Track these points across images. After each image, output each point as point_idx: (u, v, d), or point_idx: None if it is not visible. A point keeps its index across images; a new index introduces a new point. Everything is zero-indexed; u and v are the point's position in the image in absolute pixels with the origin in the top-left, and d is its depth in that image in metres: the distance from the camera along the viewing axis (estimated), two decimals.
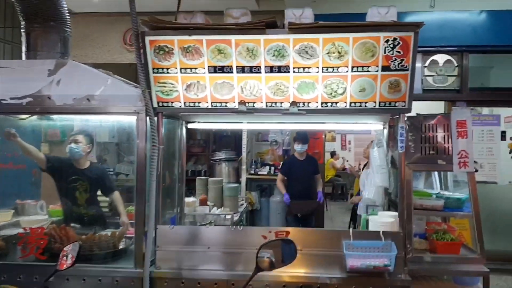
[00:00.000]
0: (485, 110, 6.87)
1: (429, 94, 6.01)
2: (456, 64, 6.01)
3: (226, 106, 3.08)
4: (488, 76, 6.41)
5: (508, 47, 5.79)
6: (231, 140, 8.58)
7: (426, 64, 5.99)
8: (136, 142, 3.13)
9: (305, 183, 5.89)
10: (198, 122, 3.57)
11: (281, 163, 6.22)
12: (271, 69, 2.96)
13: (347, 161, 11.56)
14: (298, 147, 5.79)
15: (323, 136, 6.84)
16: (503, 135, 5.93)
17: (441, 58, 5.97)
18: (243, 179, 6.77)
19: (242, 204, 5.84)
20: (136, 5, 2.98)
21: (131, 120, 3.15)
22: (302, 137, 5.83)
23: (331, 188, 11.34)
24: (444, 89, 5.97)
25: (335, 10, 5.75)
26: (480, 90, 6.09)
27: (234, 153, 7.31)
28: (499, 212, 5.75)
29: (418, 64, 6.02)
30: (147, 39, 2.99)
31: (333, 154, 11.62)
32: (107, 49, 7.14)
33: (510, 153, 5.98)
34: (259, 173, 7.09)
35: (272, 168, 7.10)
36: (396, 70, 2.88)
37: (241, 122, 3.49)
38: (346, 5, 5.68)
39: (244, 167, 6.80)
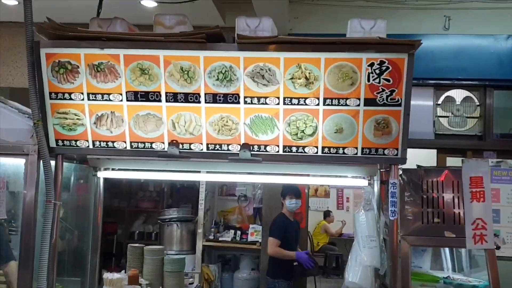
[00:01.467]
0: None
1: (443, 141, 5.83)
2: (478, 103, 5.89)
3: (151, 147, 2.89)
4: None
5: None
6: (192, 193, 8.28)
7: (439, 101, 5.86)
8: (22, 193, 2.91)
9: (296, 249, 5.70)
10: (113, 169, 3.33)
11: (272, 224, 5.95)
12: (214, 98, 2.79)
13: (345, 223, 11.25)
14: (292, 203, 5.58)
15: (306, 191, 6.61)
16: None
17: (458, 94, 5.86)
18: (199, 246, 6.41)
19: (191, 283, 5.43)
20: (63, 14, 2.87)
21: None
22: (295, 190, 5.66)
23: (323, 260, 10.91)
24: (463, 134, 5.82)
25: (321, 30, 5.67)
26: (510, 137, 5.94)
27: (191, 211, 6.98)
28: None
29: (429, 102, 5.89)
30: (43, 51, 2.81)
31: (326, 214, 11.26)
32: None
33: None
34: (220, 239, 6.75)
35: (239, 232, 6.79)
36: (384, 104, 2.71)
37: (174, 171, 3.25)
38: (335, 24, 5.60)
39: (200, 230, 6.46)
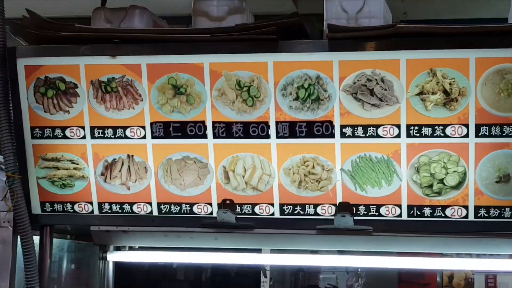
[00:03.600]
0: None
1: None
2: None
3: (191, 211, 2.92)
4: None
5: None
6: (247, 284, 8.32)
7: None
8: None
9: None
10: (130, 248, 3.37)
11: None
12: (293, 130, 2.81)
13: None
14: None
15: (438, 280, 6.49)
16: None
17: None
18: None
19: None
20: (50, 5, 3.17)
21: None
22: None
23: None
24: None
25: (456, 13, 5.62)
26: None
27: None
28: None
29: None
30: (21, 63, 2.90)
31: None
32: None
33: None
34: None
35: None
36: None
37: (227, 250, 3.26)
38: (479, 4, 5.55)
39: None
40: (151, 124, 2.88)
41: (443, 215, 2.78)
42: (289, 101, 2.78)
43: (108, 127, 2.91)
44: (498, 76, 2.65)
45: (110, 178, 2.94)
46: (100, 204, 2.97)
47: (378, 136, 2.76)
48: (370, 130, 2.76)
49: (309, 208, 2.85)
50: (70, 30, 2.86)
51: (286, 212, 2.87)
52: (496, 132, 2.69)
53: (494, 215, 2.75)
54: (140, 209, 2.95)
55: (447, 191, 2.76)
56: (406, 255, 3.34)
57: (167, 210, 2.94)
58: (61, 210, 2.99)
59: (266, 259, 3.54)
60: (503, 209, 2.74)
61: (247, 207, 2.89)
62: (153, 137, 2.89)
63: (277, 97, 2.79)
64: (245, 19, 2.91)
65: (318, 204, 2.85)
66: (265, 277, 6.63)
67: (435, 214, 2.78)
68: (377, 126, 2.75)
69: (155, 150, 2.90)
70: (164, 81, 2.83)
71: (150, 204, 2.94)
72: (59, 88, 2.90)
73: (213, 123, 2.84)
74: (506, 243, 3.03)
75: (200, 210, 2.92)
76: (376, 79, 2.72)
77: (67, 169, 2.96)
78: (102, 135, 2.92)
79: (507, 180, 2.71)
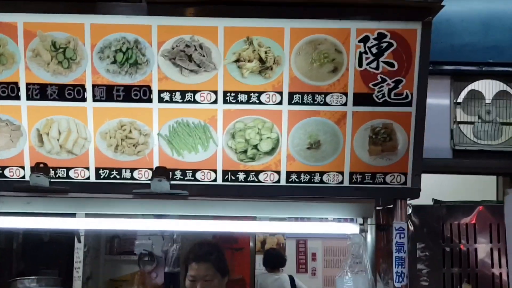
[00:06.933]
0: None
1: (466, 161, 5.98)
2: None
3: (2, 174, 2.87)
4: None
5: None
6: (60, 251, 8.13)
7: (460, 99, 6.01)
8: None
9: None
10: None
11: None
12: (110, 93, 2.80)
13: None
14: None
15: (251, 245, 6.64)
16: None
17: (488, 87, 6.04)
18: None
19: None
20: None
21: None
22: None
23: None
24: (497, 150, 6.00)
25: None
26: None
27: (59, 280, 6.85)
28: None
29: (444, 100, 6.01)
30: None
31: None
32: None
33: None
34: None
35: None
36: (385, 103, 2.79)
37: (37, 214, 3.14)
38: None
39: None
40: None
41: (256, 180, 2.86)
42: (107, 65, 2.77)
43: None
44: (311, 47, 2.74)
45: None
46: None
47: (195, 101, 2.79)
48: (187, 95, 2.79)
49: (125, 172, 2.87)
50: None
51: (102, 176, 2.87)
52: (308, 100, 2.79)
53: (304, 180, 2.86)
54: None
55: (261, 156, 2.84)
56: (221, 219, 3.38)
57: None
58: None
59: (79, 223, 3.47)
60: (313, 174, 2.86)
61: (61, 171, 2.86)
62: None
63: (94, 60, 2.76)
64: None
65: (135, 169, 2.86)
66: (79, 242, 6.53)
67: (248, 179, 2.86)
68: (195, 92, 2.79)
69: None
70: None
71: None
72: None
73: (27, 84, 2.79)
74: (316, 207, 3.09)
75: (12, 173, 2.86)
76: (194, 45, 2.75)
77: None
78: None
79: (317, 146, 2.82)
